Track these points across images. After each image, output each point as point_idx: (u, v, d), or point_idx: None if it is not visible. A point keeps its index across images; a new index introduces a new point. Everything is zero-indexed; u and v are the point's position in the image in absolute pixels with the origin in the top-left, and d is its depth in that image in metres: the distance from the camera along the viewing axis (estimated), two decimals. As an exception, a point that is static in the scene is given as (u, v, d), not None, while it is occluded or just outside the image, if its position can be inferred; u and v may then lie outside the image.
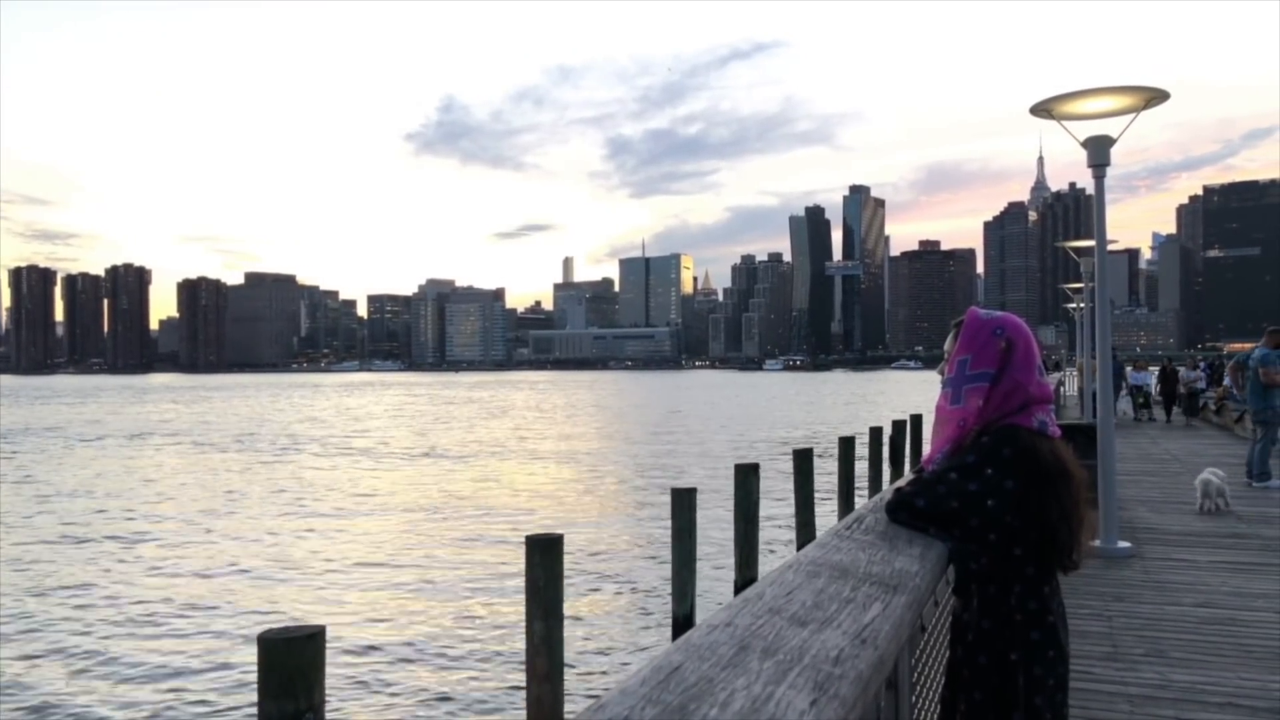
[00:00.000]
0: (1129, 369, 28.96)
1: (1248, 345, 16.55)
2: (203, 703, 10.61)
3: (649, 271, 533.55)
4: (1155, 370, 31.32)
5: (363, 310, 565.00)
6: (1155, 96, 8.30)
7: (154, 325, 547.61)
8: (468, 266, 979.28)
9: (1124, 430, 22.53)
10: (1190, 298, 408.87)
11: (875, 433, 17.04)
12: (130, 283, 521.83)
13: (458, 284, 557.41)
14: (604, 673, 11.31)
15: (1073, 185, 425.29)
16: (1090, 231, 10.91)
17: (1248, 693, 5.16)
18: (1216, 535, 9.77)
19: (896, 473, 16.86)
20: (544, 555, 6.78)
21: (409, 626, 13.50)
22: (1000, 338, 2.63)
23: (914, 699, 2.50)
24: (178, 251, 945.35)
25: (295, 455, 41.25)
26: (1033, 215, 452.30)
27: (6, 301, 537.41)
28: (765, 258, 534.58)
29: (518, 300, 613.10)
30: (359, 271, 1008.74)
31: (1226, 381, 21.56)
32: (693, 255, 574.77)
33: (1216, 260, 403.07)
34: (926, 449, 2.87)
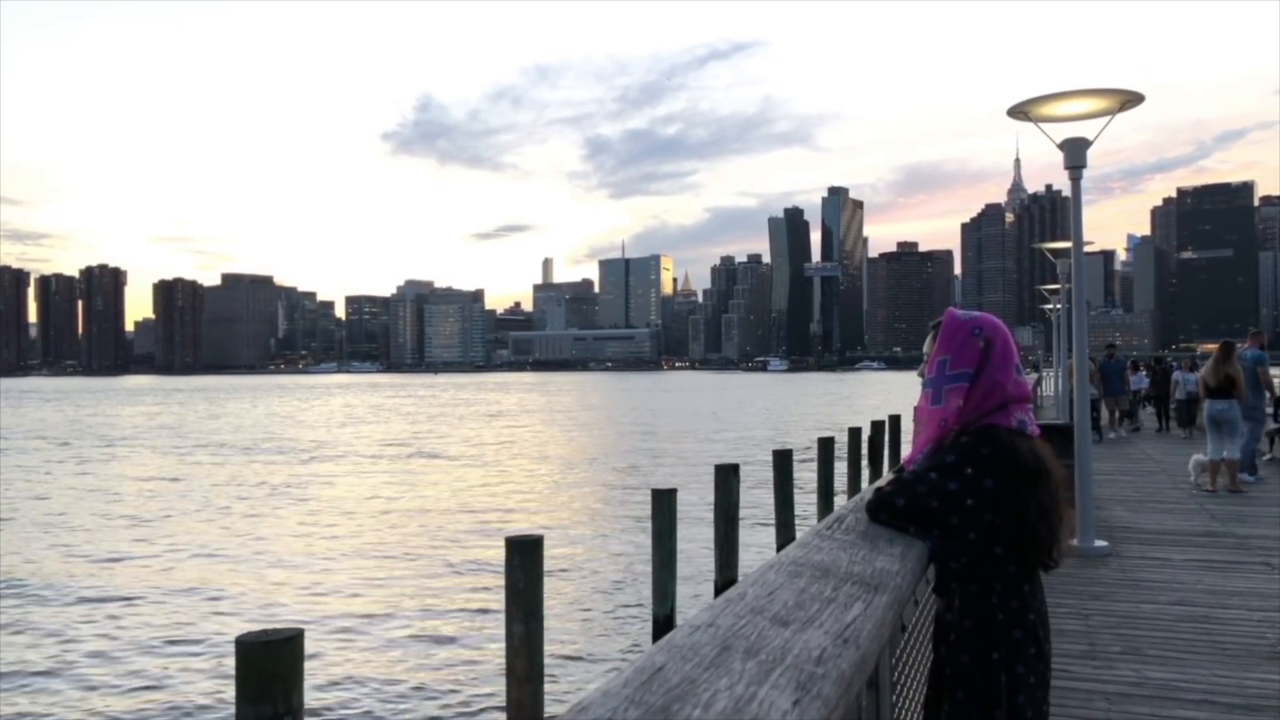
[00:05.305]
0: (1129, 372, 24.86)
1: None
2: (180, 707, 10.50)
3: (629, 272, 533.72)
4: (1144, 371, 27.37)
5: (341, 311, 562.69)
6: (1131, 99, 8.37)
7: (129, 327, 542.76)
8: (446, 267, 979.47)
9: (1117, 441, 20.56)
10: (1165, 299, 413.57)
11: (854, 433, 17.11)
12: (105, 284, 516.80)
13: (436, 285, 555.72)
14: (585, 675, 11.28)
15: (1049, 187, 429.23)
16: (1067, 233, 11.01)
17: (1223, 689, 5.21)
18: (1192, 534, 9.87)
19: (875, 473, 16.93)
20: (524, 556, 6.75)
21: (388, 629, 13.43)
22: (979, 337, 2.64)
23: (894, 699, 2.51)
24: (153, 252, 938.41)
25: (277, 458, 40.95)
26: (1010, 217, 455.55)
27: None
28: (744, 259, 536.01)
29: (497, 301, 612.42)
30: (337, 272, 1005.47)
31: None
32: (672, 256, 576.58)
33: (1190, 262, 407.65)
34: (905, 450, 2.88)
